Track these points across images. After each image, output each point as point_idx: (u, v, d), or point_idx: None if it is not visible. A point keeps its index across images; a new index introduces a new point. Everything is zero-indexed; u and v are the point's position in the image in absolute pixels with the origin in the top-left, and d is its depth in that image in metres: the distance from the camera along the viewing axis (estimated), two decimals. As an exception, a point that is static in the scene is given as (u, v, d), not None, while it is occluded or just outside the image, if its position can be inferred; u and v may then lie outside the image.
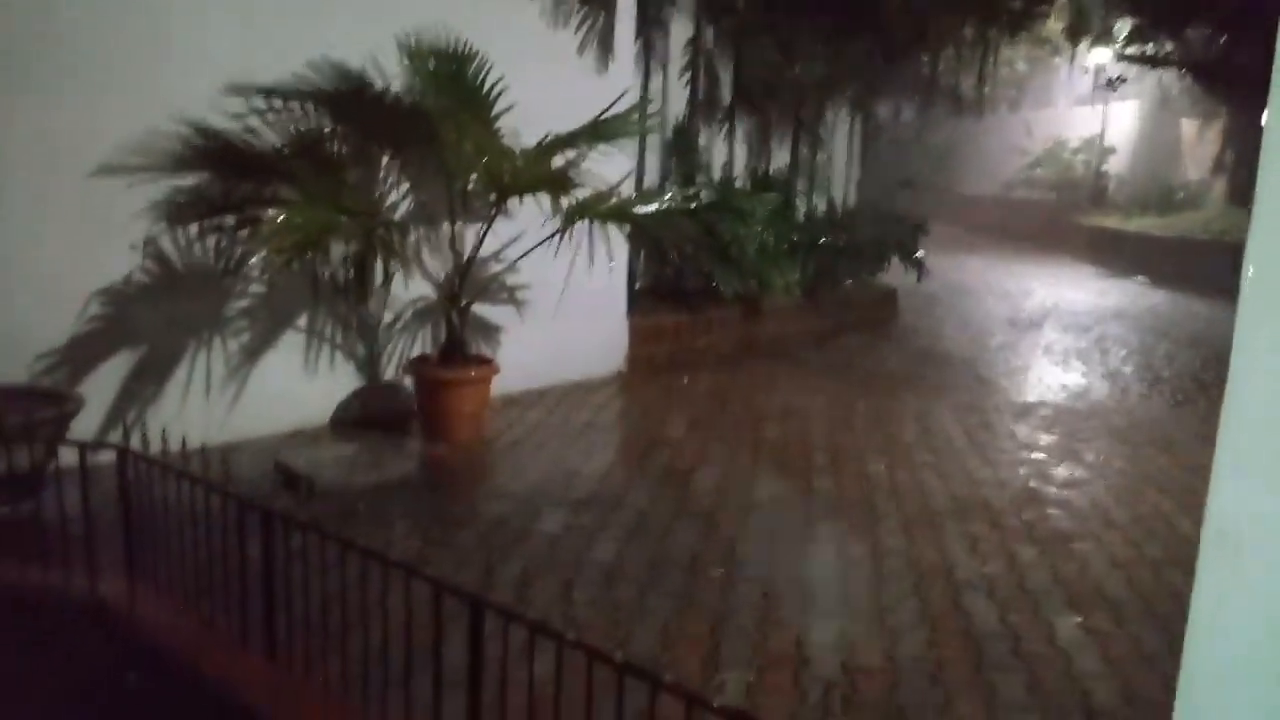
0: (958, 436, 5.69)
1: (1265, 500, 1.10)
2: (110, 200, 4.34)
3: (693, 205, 5.49)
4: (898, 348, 8.57)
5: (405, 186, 5.28)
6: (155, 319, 4.62)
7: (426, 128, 4.76)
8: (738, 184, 8.11)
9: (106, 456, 3.20)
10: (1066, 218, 19.01)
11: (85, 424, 4.05)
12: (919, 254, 9.47)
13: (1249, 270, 1.09)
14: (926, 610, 3.46)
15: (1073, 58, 17.45)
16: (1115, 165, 20.37)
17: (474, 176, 4.91)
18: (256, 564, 2.76)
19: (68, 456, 3.27)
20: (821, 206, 9.26)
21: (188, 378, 4.80)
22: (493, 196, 4.96)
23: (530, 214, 5.36)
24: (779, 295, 7.82)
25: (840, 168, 9.60)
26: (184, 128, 4.49)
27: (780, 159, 8.80)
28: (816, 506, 4.47)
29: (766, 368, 7.34)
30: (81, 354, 4.42)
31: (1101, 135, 20.07)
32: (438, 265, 5.31)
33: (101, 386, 4.46)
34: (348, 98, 4.84)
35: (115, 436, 3.26)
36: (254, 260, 4.46)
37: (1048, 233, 18.88)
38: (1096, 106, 19.76)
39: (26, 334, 4.24)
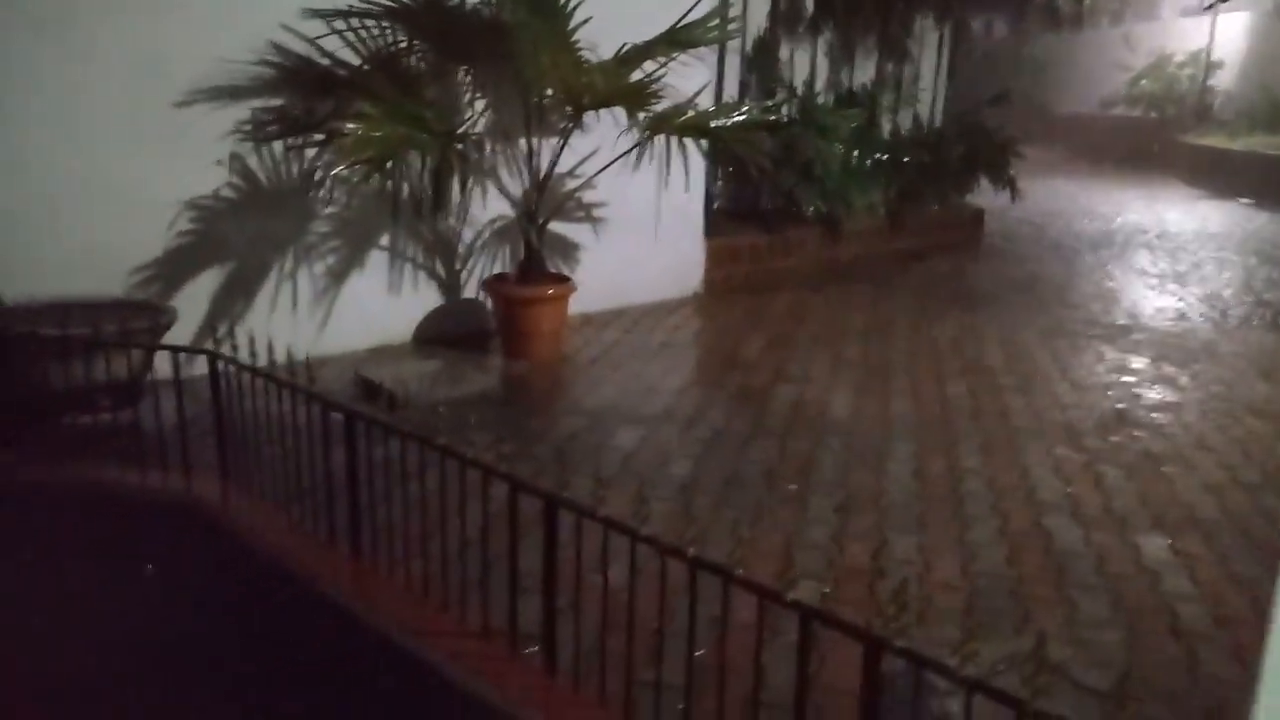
0: (1044, 359, 5.53)
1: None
2: (197, 119, 4.43)
3: (772, 119, 5.34)
4: (984, 271, 8.33)
5: (482, 102, 5.26)
6: (242, 235, 4.73)
7: (503, 41, 4.71)
8: (820, 100, 7.87)
9: (200, 369, 3.33)
10: (1168, 136, 18.06)
11: (179, 337, 4.18)
12: (1010, 174, 9.11)
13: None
14: (1006, 528, 3.41)
15: (1181, -35, 16.41)
16: (1223, 80, 19.21)
17: (550, 91, 4.85)
18: (341, 469, 2.84)
19: (164, 369, 3.41)
20: (907, 123, 8.95)
21: (274, 294, 4.92)
22: (569, 111, 4.91)
23: (607, 129, 5.30)
24: (861, 216, 7.65)
25: (928, 83, 9.24)
26: (268, 48, 4.53)
27: (865, 73, 8.50)
28: (894, 426, 4.40)
29: (846, 289, 7.21)
30: (173, 269, 4.56)
31: (1209, 48, 18.90)
32: (515, 182, 5.30)
33: (193, 301, 4.61)
34: (425, 12, 4.82)
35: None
36: (334, 173, 4.50)
37: (1147, 152, 18.00)
38: (1203, 18, 18.59)
39: (122, 249, 4.39)
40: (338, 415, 2.82)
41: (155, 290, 4.51)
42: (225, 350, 3.17)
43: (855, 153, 7.47)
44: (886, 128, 8.68)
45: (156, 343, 3.81)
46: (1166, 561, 3.20)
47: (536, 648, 2.41)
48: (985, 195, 9.50)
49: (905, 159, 8.22)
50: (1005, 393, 4.91)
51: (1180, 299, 7.28)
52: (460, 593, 2.57)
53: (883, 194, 7.65)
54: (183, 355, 3.37)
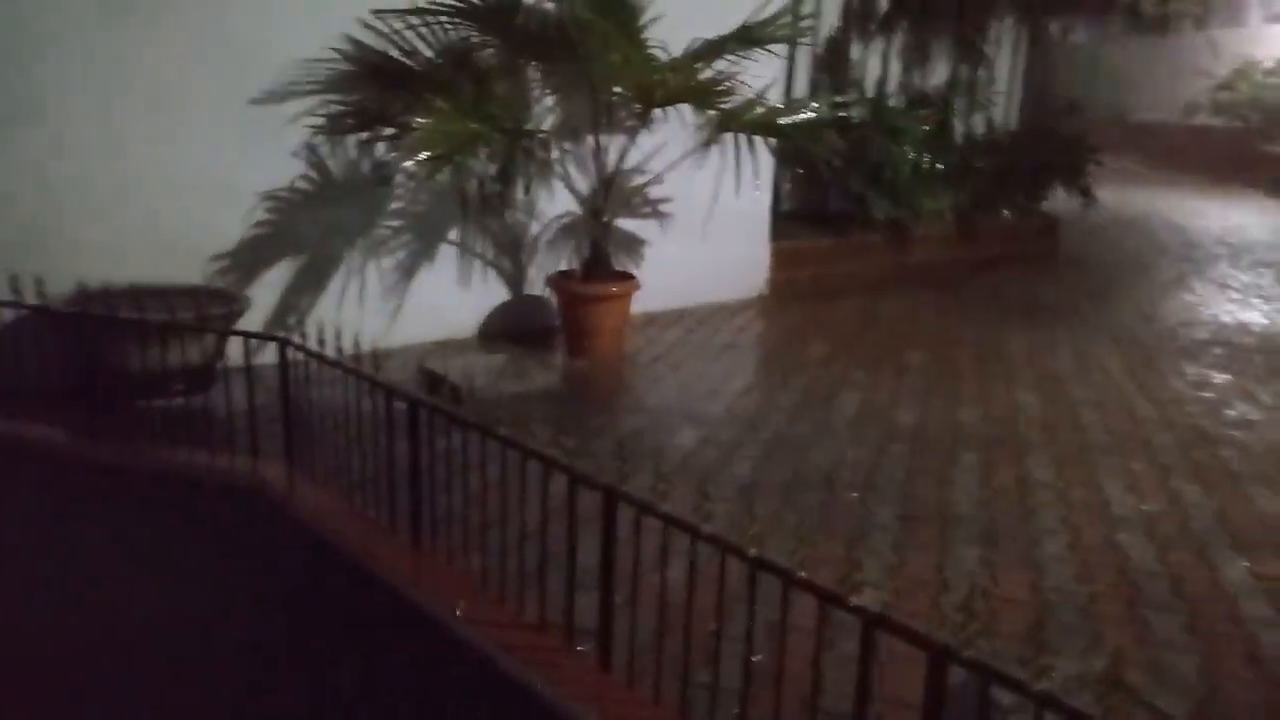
0: (1119, 372, 5.37)
1: None
2: (277, 113, 4.52)
3: (842, 116, 5.26)
4: (1058, 280, 8.12)
5: (551, 99, 5.27)
6: (315, 227, 4.81)
7: (573, 39, 4.72)
8: (891, 101, 7.75)
9: (270, 358, 3.39)
10: (1254, 146, 17.43)
11: (251, 326, 4.26)
12: (1086, 181, 8.87)
13: None
14: (1077, 544, 3.30)
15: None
16: (1313, 90, 18.46)
17: (619, 88, 4.85)
18: (404, 458, 2.87)
19: (236, 356, 3.48)
20: (981, 128, 8.77)
21: (344, 285, 4.99)
22: (637, 108, 4.90)
23: (674, 128, 5.28)
24: (930, 221, 7.50)
25: (1003, 87, 9.04)
26: (345, 43, 4.60)
27: (938, 76, 8.36)
28: (962, 435, 4.31)
29: (914, 296, 7.08)
30: (249, 258, 4.66)
31: (1298, 56, 18.20)
32: (582, 180, 5.30)
33: (266, 291, 4.70)
34: (497, 10, 4.85)
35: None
36: (404, 166, 4.54)
37: (1231, 162, 17.39)
38: (1293, 25, 17.90)
39: (201, 238, 4.49)
40: (401, 405, 2.85)
41: (231, 279, 4.61)
42: (295, 338, 3.23)
43: (926, 156, 7.33)
44: (959, 131, 8.52)
45: (230, 328, 3.89)
46: (1246, 585, 3.07)
47: (592, 644, 2.40)
48: (1060, 203, 9.27)
49: (978, 164, 8.05)
50: (1078, 405, 4.77)
51: (1265, 314, 7.01)
52: (518, 585, 2.58)
53: (953, 199, 7.50)
54: (254, 342, 3.45)
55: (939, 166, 7.48)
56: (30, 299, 3.45)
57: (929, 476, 3.83)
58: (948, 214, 7.50)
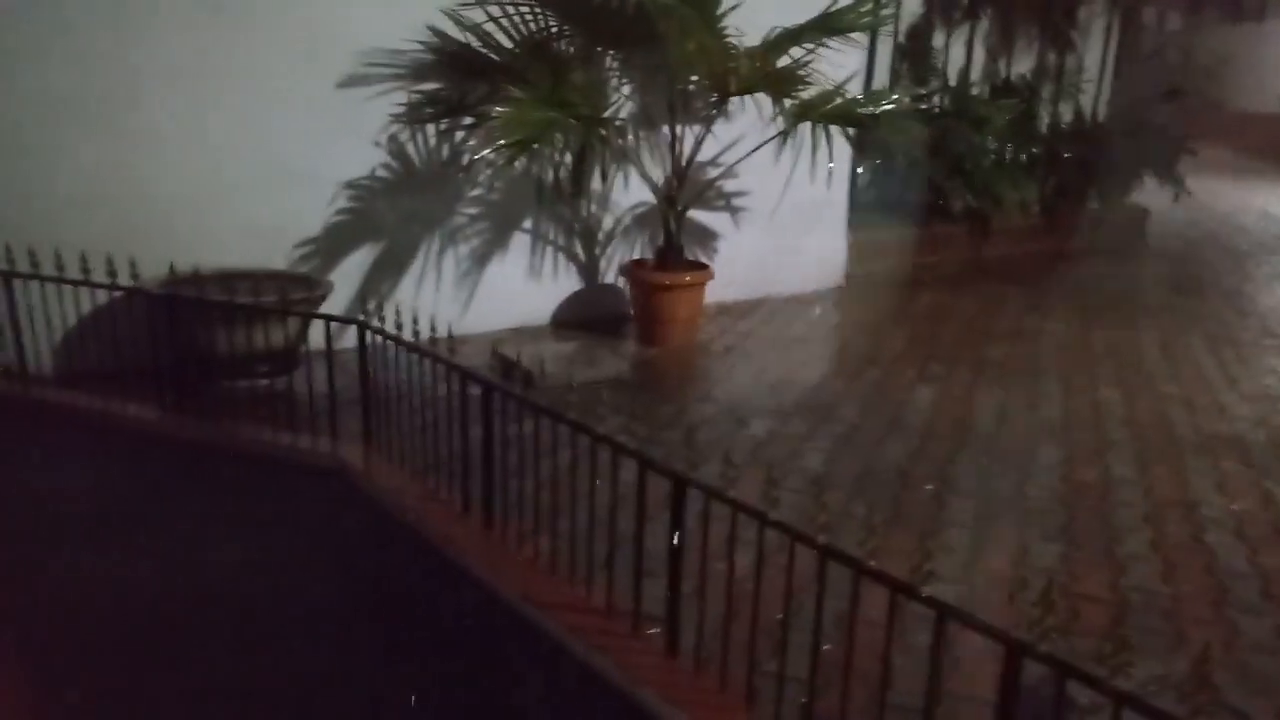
0: (1209, 369, 5.17)
1: None
2: (358, 102, 4.61)
3: (923, 107, 5.16)
4: (1146, 273, 7.85)
5: (628, 87, 5.28)
6: (394, 214, 4.90)
7: (650, 27, 4.71)
8: (974, 91, 7.57)
9: (350, 342, 3.47)
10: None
11: (331, 312, 4.36)
12: (1178, 172, 8.55)
13: None
14: (1161, 543, 3.20)
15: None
16: None
17: (696, 76, 4.83)
18: (478, 442, 2.91)
19: (317, 341, 3.58)
20: (1068, 117, 8.51)
21: (421, 273, 5.08)
22: (714, 97, 4.88)
23: (751, 118, 5.25)
24: (1014, 212, 7.32)
25: (1092, 75, 8.76)
26: (425, 32, 4.67)
27: (1024, 64, 8.13)
28: (1042, 430, 4.20)
29: (995, 289, 6.92)
30: (331, 245, 4.77)
31: None
32: (657, 169, 5.30)
33: (347, 277, 4.80)
34: (576, -1, 4.87)
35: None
36: (482, 155, 4.59)
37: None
38: None
39: (287, 226, 4.61)
40: (475, 391, 2.89)
41: (314, 265, 4.72)
42: (374, 322, 3.30)
43: (1010, 146, 7.15)
44: (1045, 121, 8.28)
45: (312, 313, 3.99)
46: (1344, 591, 2.94)
47: (658, 629, 2.40)
48: (1151, 194, 8.95)
49: (1064, 154, 7.82)
50: (1166, 401, 4.61)
51: (1370, 311, 6.68)
52: (586, 570, 2.60)
53: (1038, 190, 7.29)
54: (335, 326, 3.54)
55: (1023, 157, 7.29)
56: (125, 282, 3.59)
57: (1007, 472, 3.74)
58: (1032, 205, 7.30)
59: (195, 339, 3.87)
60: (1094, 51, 8.74)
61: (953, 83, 7.44)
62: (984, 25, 7.76)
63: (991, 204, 7.09)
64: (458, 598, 2.72)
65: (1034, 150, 7.51)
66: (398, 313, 3.21)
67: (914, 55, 7.22)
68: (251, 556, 2.94)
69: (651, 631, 2.43)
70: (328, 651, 2.48)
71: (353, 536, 3.12)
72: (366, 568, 2.98)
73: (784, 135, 4.94)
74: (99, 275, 3.62)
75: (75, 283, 3.65)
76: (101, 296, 3.76)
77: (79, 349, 3.98)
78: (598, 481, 2.51)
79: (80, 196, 4.06)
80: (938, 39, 7.48)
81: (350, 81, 4.59)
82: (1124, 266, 7.97)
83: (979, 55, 7.83)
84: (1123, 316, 6.27)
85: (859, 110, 4.98)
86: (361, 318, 3.37)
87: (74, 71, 4.00)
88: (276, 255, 4.57)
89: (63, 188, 4.04)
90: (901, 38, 7.19)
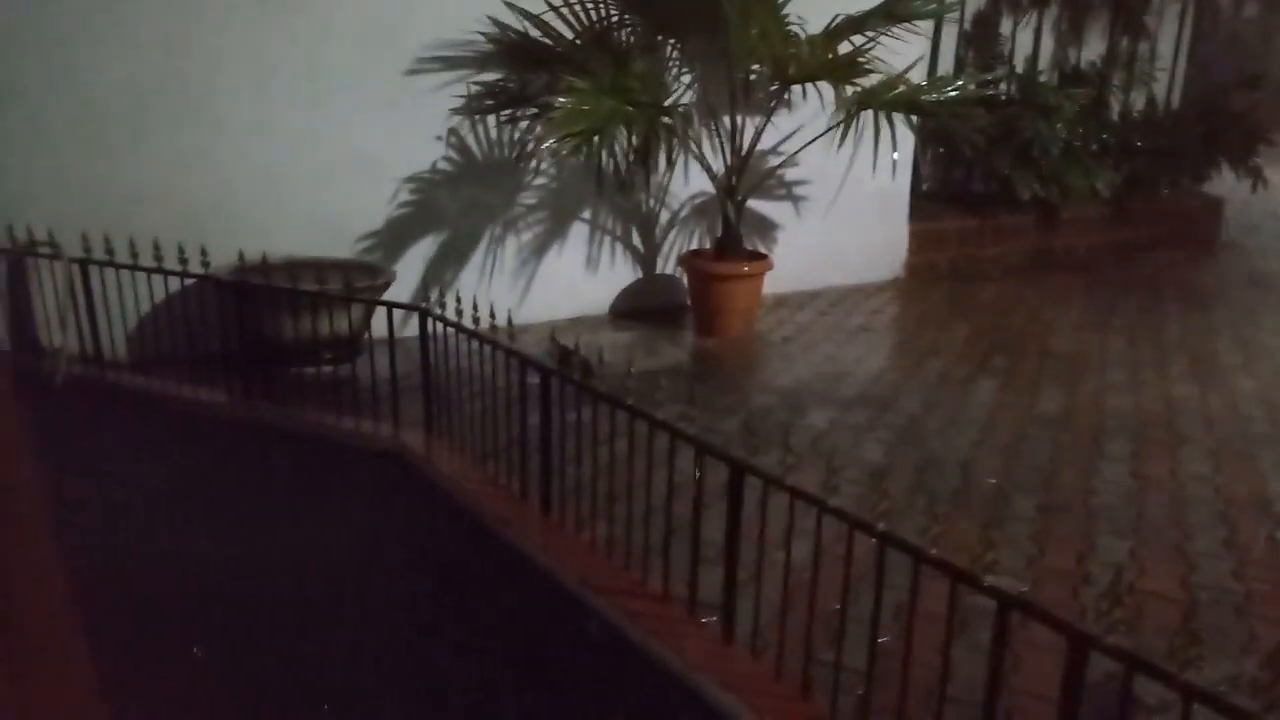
0: (1289, 364, 5.00)
1: None
2: (421, 93, 4.67)
3: (989, 94, 5.05)
4: (1221, 265, 7.61)
5: (689, 76, 5.26)
6: (455, 205, 4.96)
7: (712, 15, 4.68)
8: (1042, 79, 7.40)
9: (412, 331, 3.52)
10: None
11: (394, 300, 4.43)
12: (1255, 161, 8.26)
13: None
14: (1234, 540, 3.11)
15: None
16: None
17: (757, 64, 4.79)
18: (536, 430, 2.94)
19: (380, 330, 3.63)
20: (1140, 105, 8.28)
21: (482, 263, 5.13)
22: (775, 86, 4.84)
23: (812, 108, 5.20)
24: (1082, 202, 7.13)
25: (1166, 62, 8.50)
26: (487, 23, 4.71)
27: (1094, 51, 7.92)
28: (1109, 424, 4.10)
29: (1062, 281, 6.76)
30: (393, 235, 4.84)
31: None
32: (717, 159, 5.28)
33: (409, 267, 4.87)
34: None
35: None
36: (544, 147, 4.61)
37: None
38: None
39: (350, 217, 4.69)
40: (534, 380, 2.91)
41: (378, 255, 4.79)
42: (435, 309, 3.34)
43: (1080, 134, 6.97)
44: (1116, 109, 8.06)
45: (375, 299, 4.05)
46: None
47: (715, 617, 2.40)
48: (1226, 184, 8.67)
49: (1136, 142, 7.61)
50: (1240, 397, 4.47)
51: None
52: (643, 557, 2.60)
53: (1108, 180, 7.10)
54: (397, 316, 3.59)
55: (1093, 145, 7.11)
56: (196, 269, 3.69)
57: (1073, 466, 3.66)
58: (1101, 195, 7.11)
59: (263, 325, 3.96)
60: (1168, 37, 8.48)
61: (1020, 71, 7.27)
62: (1053, 11, 7.57)
63: (1059, 193, 6.92)
64: (514, 580, 2.74)
65: (1105, 138, 7.31)
66: (459, 300, 3.24)
67: (980, 43, 7.08)
68: (315, 535, 3.00)
69: (708, 619, 2.42)
70: (386, 626, 2.53)
71: (412, 518, 3.17)
72: (425, 549, 3.03)
73: (845, 124, 4.88)
74: (171, 263, 3.71)
75: (149, 270, 3.75)
76: (173, 283, 3.85)
77: (152, 335, 4.09)
78: (655, 469, 2.51)
79: (153, 185, 4.18)
80: (1005, 25, 7.32)
81: (413, 73, 4.64)
82: (1197, 258, 7.74)
83: (1047, 42, 7.65)
84: (1196, 310, 6.09)
85: (922, 97, 4.90)
86: (424, 305, 3.41)
87: (149, 64, 4.11)
88: (341, 245, 4.64)
89: (136, 177, 4.16)
90: (967, 25, 7.05)
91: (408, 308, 3.55)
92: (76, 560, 2.54)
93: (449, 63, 4.72)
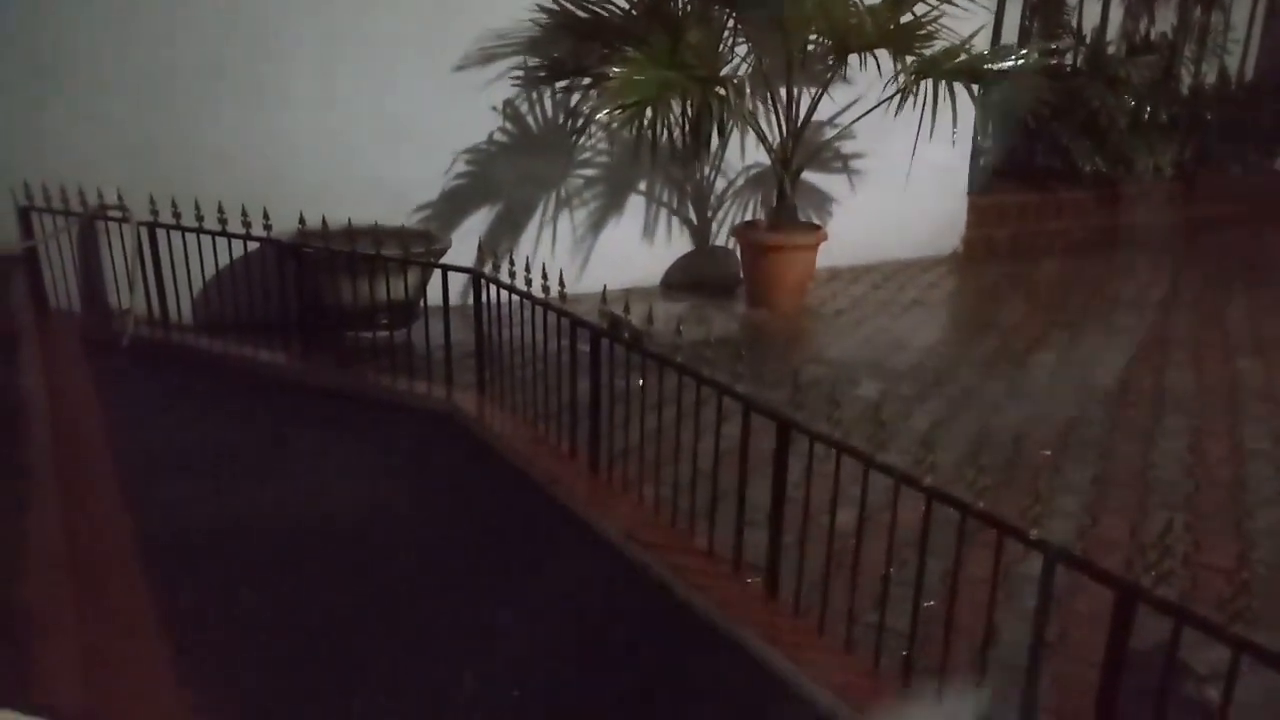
0: (1361, 343, 4.84)
1: None
2: (479, 65, 4.72)
3: (1053, 62, 4.93)
4: (1292, 244, 7.38)
5: (744, 46, 5.23)
6: (510, 176, 5.00)
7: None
8: (1110, 50, 7.20)
9: (466, 300, 3.57)
10: None
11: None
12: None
13: None
14: (1296, 517, 3.03)
15: None
16: None
17: (815, 34, 4.74)
18: (586, 395, 2.97)
19: (435, 298, 3.69)
20: (1212, 77, 8.02)
21: (537, 234, 5.17)
22: (832, 57, 4.78)
23: (870, 78, 5.13)
24: (1148, 177, 6.95)
25: (1240, 33, 8.22)
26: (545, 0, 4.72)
27: (1165, 21, 7.69)
28: (1170, 400, 4.01)
29: (1125, 258, 6.61)
30: (450, 206, 4.90)
31: None
32: (772, 130, 5.25)
33: (465, 237, 4.92)
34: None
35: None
36: (597, 118, 4.63)
37: None
38: None
39: (410, 187, 4.76)
40: (584, 348, 2.94)
41: (435, 225, 4.86)
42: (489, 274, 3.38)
43: (1148, 107, 6.78)
44: (1187, 81, 7.82)
45: (430, 262, 4.11)
46: None
47: (759, 578, 2.41)
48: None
49: (1206, 116, 7.38)
50: (1308, 375, 4.35)
51: None
52: (689, 516, 2.63)
53: (1176, 154, 6.90)
54: (454, 284, 3.63)
55: (1162, 118, 6.91)
56: (258, 233, 3.77)
57: (1132, 440, 3.60)
58: (1168, 169, 6.92)
59: (321, 290, 4.05)
60: (1242, 7, 8.19)
61: (1087, 40, 7.09)
62: (1122, -21, 7.36)
63: (1123, 168, 6.75)
64: (562, 534, 2.79)
65: (1174, 112, 7.10)
66: (512, 263, 3.28)
67: (1046, 11, 6.91)
68: (371, 491, 3.07)
69: (752, 580, 2.44)
70: (433, 584, 2.59)
71: (463, 476, 3.23)
72: (477, 503, 3.09)
73: (904, 94, 4.81)
74: (235, 227, 3.80)
75: (213, 233, 3.85)
76: (237, 248, 3.95)
77: (216, 298, 4.21)
78: (702, 431, 2.53)
79: (219, 152, 4.28)
80: (1072, -5, 7.13)
81: (472, 44, 4.68)
82: (1268, 235, 7.50)
83: (1116, 13, 7.44)
84: (1263, 286, 5.91)
85: (984, 66, 4.81)
86: (475, 269, 3.45)
87: (216, 34, 4.21)
88: (398, 214, 4.71)
89: (203, 143, 4.27)
90: (1033, -7, 6.88)
91: (461, 270, 3.59)
92: (144, 516, 2.65)
93: (506, 35, 4.75)
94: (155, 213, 3.92)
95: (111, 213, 4.01)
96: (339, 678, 2.20)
